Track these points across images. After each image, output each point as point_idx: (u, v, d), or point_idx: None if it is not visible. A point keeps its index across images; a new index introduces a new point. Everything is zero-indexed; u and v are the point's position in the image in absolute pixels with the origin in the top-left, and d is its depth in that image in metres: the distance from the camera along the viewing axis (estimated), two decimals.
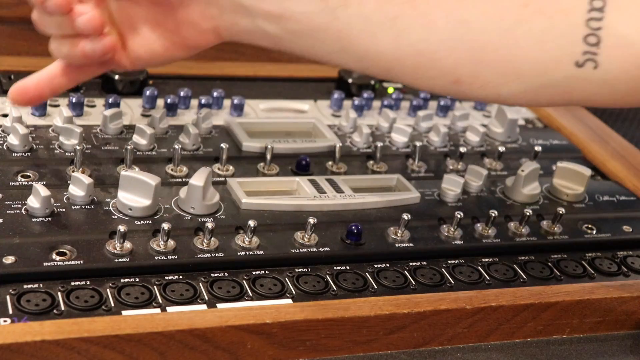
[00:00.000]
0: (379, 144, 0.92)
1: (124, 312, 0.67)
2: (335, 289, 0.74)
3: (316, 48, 0.69)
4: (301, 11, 0.67)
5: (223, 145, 0.86)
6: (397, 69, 0.68)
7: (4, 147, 0.84)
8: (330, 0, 0.66)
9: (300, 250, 0.77)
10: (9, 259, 0.69)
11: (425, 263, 0.80)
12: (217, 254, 0.75)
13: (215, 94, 0.99)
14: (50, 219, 0.75)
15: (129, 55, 0.73)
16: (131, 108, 0.95)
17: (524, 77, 0.65)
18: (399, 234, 0.81)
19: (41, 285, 0.68)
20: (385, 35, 0.66)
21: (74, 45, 0.71)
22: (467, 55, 0.65)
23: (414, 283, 0.77)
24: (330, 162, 0.91)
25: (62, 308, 0.67)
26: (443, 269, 0.79)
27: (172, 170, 0.85)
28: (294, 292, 0.73)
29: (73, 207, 0.77)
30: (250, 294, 0.72)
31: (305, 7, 0.67)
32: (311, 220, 0.77)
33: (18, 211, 0.75)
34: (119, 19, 0.72)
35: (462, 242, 0.82)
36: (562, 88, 0.65)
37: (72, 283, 0.69)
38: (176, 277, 0.72)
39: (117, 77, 0.97)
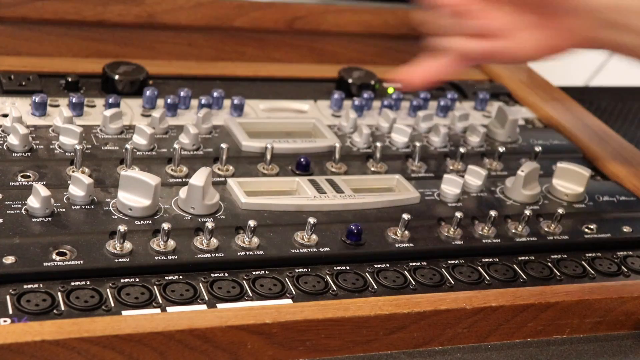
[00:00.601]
0: (379, 144, 0.92)
1: (124, 312, 0.67)
2: (335, 289, 0.74)
3: None
4: None
5: (223, 145, 0.86)
6: None
7: (4, 147, 0.84)
8: None
9: (300, 250, 0.77)
10: (9, 259, 0.69)
11: (425, 263, 0.80)
12: (217, 254, 0.75)
13: (215, 94, 0.98)
14: (50, 219, 0.75)
15: (508, 54, 0.83)
16: (131, 108, 0.95)
17: None
18: (399, 234, 0.81)
19: (41, 285, 0.68)
20: None
21: (470, 44, 0.82)
22: None
23: (414, 283, 0.77)
24: (330, 162, 0.91)
25: (62, 308, 0.67)
26: (443, 269, 0.79)
27: (172, 170, 0.85)
28: (294, 292, 0.73)
29: (73, 207, 0.77)
30: (250, 294, 0.72)
31: None
32: (311, 220, 0.77)
33: (18, 211, 0.75)
34: (508, 23, 0.82)
35: (462, 242, 0.83)
36: None
37: (72, 283, 0.69)
38: (176, 277, 0.72)
39: (117, 77, 0.97)
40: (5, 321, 0.64)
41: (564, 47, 0.83)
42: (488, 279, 0.79)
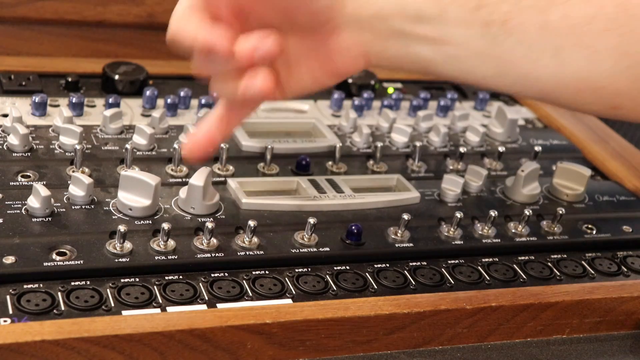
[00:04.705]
0: (379, 144, 0.92)
1: (124, 312, 0.67)
2: (335, 289, 0.74)
3: (471, 72, 0.68)
4: (461, 35, 0.66)
5: (223, 145, 0.86)
6: (555, 94, 0.68)
7: (4, 147, 0.84)
8: (491, 26, 0.65)
9: (300, 250, 0.77)
10: (9, 259, 0.69)
11: (425, 263, 0.79)
12: (217, 254, 0.75)
13: (215, 94, 0.98)
14: (50, 219, 0.75)
15: (281, 89, 0.71)
16: (131, 108, 0.95)
17: None
18: (399, 234, 0.81)
19: (41, 285, 0.68)
20: (547, 63, 0.66)
21: (236, 85, 0.70)
22: (630, 85, 0.65)
23: (414, 283, 0.77)
24: (330, 162, 0.91)
25: (62, 308, 0.67)
26: (443, 269, 0.79)
27: (172, 170, 0.85)
28: (294, 292, 0.73)
29: (73, 207, 0.77)
30: (250, 294, 0.72)
31: (466, 32, 0.66)
32: (311, 220, 0.77)
33: (18, 211, 0.75)
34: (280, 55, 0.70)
35: (462, 242, 0.83)
36: None
37: (72, 283, 0.69)
38: (176, 277, 0.72)
39: (117, 77, 0.97)
40: (5, 321, 0.64)
41: (350, 68, 0.71)
42: (488, 278, 0.79)
